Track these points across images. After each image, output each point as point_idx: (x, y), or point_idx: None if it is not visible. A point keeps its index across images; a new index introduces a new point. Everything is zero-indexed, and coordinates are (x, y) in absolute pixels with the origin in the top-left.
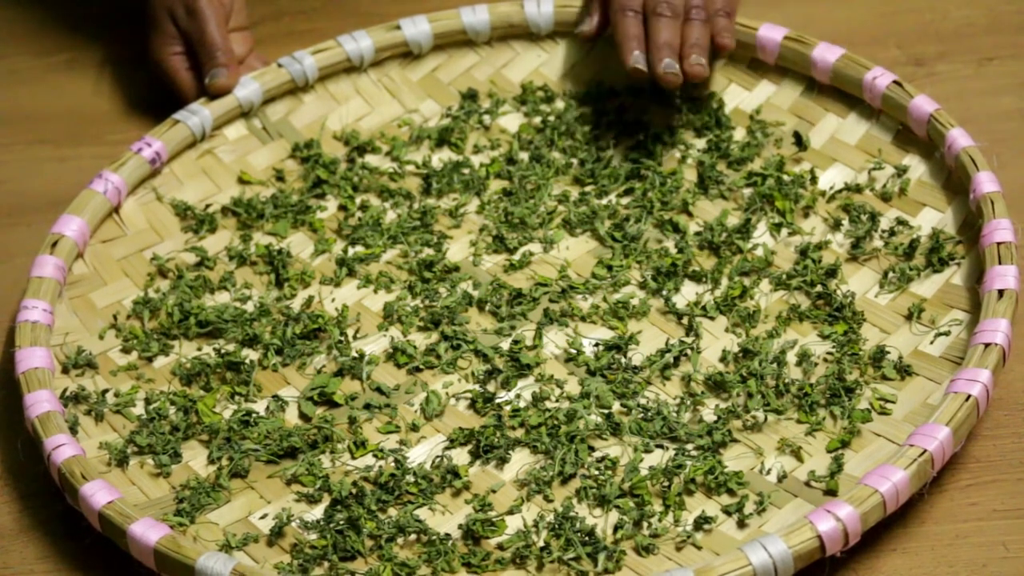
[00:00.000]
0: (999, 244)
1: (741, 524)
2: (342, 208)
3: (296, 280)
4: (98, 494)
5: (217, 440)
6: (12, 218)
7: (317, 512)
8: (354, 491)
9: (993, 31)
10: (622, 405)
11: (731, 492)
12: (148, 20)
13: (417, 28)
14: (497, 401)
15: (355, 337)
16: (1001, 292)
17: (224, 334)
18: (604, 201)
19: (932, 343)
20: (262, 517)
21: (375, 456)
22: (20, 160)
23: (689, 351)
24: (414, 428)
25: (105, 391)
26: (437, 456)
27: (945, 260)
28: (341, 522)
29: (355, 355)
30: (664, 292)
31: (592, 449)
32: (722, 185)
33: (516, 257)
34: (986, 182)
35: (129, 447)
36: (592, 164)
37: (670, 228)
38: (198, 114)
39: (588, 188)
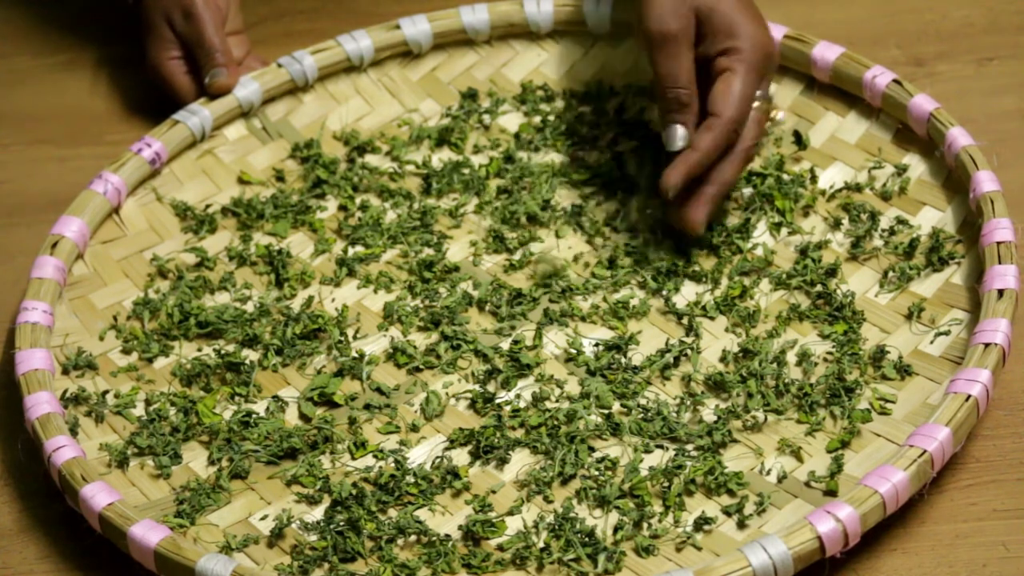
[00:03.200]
0: (999, 243)
1: (741, 525)
2: (342, 208)
3: (296, 280)
4: (98, 496)
5: (217, 441)
6: (12, 218)
7: (317, 513)
8: (354, 492)
9: (993, 31)
10: (622, 405)
11: (731, 493)
12: (144, 26)
13: (417, 27)
14: (497, 401)
15: (355, 337)
16: (1001, 292)
17: (224, 335)
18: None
19: (932, 343)
20: (262, 518)
21: (375, 457)
22: (20, 160)
23: (689, 351)
24: (414, 428)
25: (105, 392)
26: (437, 457)
27: (945, 259)
28: (341, 523)
29: (355, 355)
30: (664, 292)
31: (592, 449)
32: None
33: (516, 257)
34: (986, 181)
35: (129, 448)
36: (590, 165)
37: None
38: (198, 114)
39: (589, 190)
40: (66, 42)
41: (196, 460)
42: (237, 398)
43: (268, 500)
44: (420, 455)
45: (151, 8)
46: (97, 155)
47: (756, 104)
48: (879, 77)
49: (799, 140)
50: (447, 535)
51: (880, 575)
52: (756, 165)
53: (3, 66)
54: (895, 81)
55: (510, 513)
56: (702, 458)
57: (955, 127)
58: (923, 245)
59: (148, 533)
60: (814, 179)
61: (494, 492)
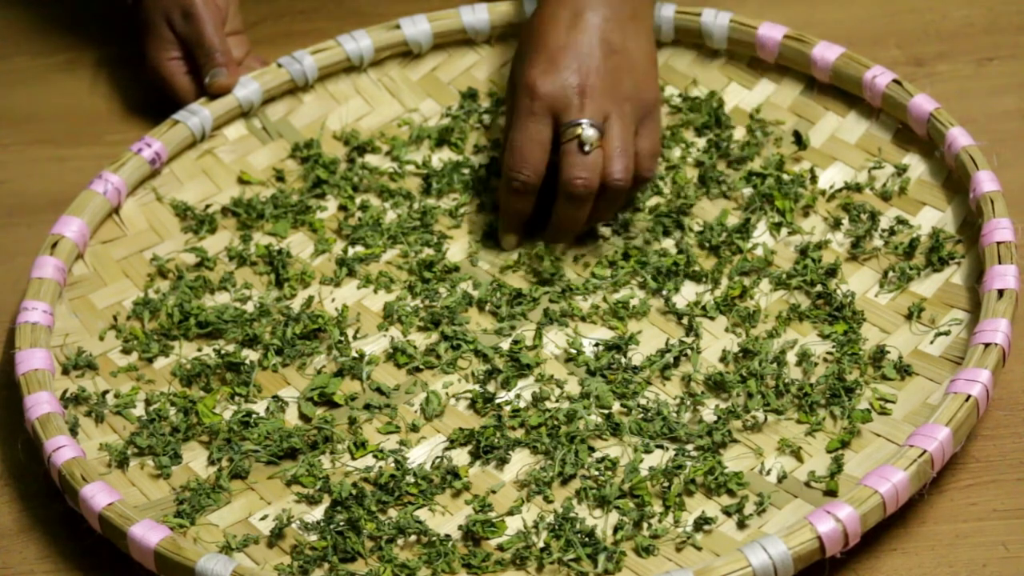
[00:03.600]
0: (999, 243)
1: (741, 525)
2: (342, 208)
3: (296, 280)
4: (98, 496)
5: (217, 441)
6: (12, 218)
7: (317, 513)
8: (354, 492)
9: (993, 31)
10: (622, 405)
11: (731, 493)
12: (144, 26)
13: (417, 27)
14: (497, 401)
15: (355, 337)
16: (1001, 292)
17: (224, 335)
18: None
19: (932, 343)
20: (262, 518)
21: (375, 457)
22: (20, 160)
23: (689, 351)
24: (414, 428)
25: (105, 392)
26: (437, 457)
27: (945, 259)
28: (341, 523)
29: (355, 355)
30: (664, 292)
31: (592, 449)
32: (723, 185)
33: (516, 257)
34: (986, 181)
35: (129, 448)
36: None
37: (674, 226)
38: (198, 114)
39: None
40: (66, 42)
41: (196, 460)
42: (237, 398)
43: (268, 500)
44: (420, 455)
45: (150, 8)
46: (97, 155)
47: (567, 139)
48: (879, 77)
49: (799, 140)
50: (447, 535)
51: (880, 575)
52: (756, 165)
53: (3, 66)
54: (895, 81)
55: (510, 513)
56: (702, 458)
57: (955, 127)
58: (923, 245)
59: (148, 533)
60: (814, 179)
61: (494, 492)
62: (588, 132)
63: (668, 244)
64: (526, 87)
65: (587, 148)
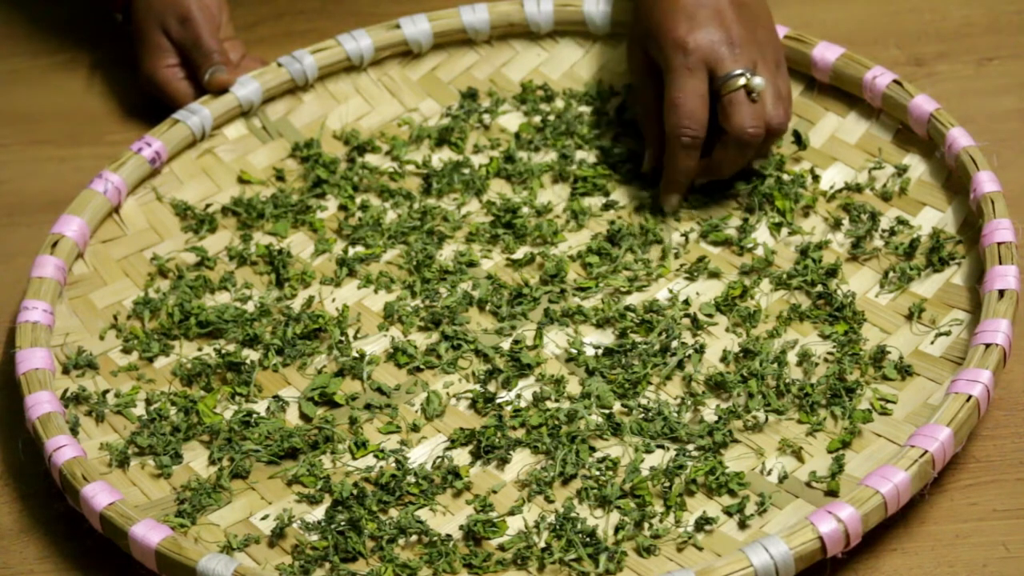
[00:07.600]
0: (999, 244)
1: (742, 525)
2: (342, 208)
3: (296, 280)
4: (99, 495)
5: (218, 441)
6: (12, 218)
7: (318, 513)
8: (355, 492)
9: (993, 31)
10: (623, 405)
11: (732, 493)
12: (138, 37)
13: (417, 27)
14: (498, 401)
15: (355, 337)
16: (1002, 292)
17: (224, 334)
18: (601, 200)
19: (933, 343)
20: (263, 518)
21: (376, 456)
22: (20, 160)
23: (691, 352)
24: (415, 428)
25: (106, 392)
26: (438, 456)
27: (945, 260)
28: (342, 523)
29: (355, 355)
30: (666, 292)
31: (593, 449)
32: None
33: (516, 256)
34: (986, 182)
35: (130, 448)
36: (592, 165)
37: (672, 227)
38: (198, 113)
39: (588, 190)
40: (65, 42)
41: (197, 460)
42: (238, 398)
43: (269, 500)
44: (421, 455)
45: (144, 19)
46: (97, 155)
47: (732, 89)
48: (879, 78)
49: (799, 140)
50: (448, 535)
51: (880, 575)
52: (756, 165)
53: (3, 66)
54: (895, 82)
55: (511, 513)
56: (703, 458)
57: (955, 128)
58: (923, 245)
59: (149, 533)
60: (816, 179)
61: (495, 492)
62: (756, 80)
63: (669, 243)
64: (676, 45)
65: (755, 96)
